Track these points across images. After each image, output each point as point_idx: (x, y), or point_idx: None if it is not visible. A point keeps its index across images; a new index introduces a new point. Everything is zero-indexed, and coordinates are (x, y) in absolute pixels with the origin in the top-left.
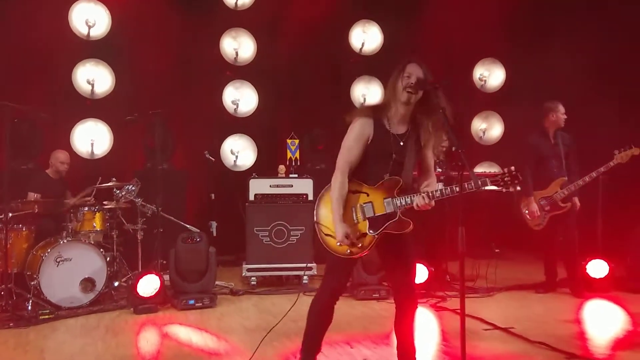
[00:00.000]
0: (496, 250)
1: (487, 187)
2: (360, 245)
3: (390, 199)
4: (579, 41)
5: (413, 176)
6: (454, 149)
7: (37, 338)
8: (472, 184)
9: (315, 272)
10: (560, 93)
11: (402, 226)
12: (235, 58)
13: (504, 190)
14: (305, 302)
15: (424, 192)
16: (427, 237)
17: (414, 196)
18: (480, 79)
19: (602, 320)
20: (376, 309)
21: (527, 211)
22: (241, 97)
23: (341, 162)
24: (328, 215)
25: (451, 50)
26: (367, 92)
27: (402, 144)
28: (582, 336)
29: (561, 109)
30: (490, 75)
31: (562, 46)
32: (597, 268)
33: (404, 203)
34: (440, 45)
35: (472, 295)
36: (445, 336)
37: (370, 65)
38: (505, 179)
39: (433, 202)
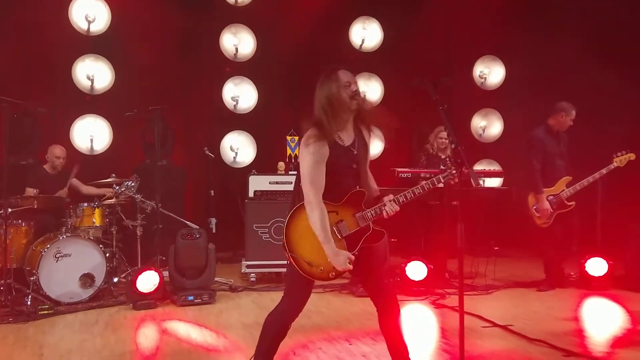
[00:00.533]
0: (495, 248)
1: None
2: None
3: (360, 213)
4: (580, 39)
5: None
6: (453, 145)
7: (36, 333)
8: (429, 184)
9: None
10: (560, 91)
11: (378, 237)
12: (235, 54)
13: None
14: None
15: (389, 200)
16: (425, 234)
17: (382, 206)
18: (480, 76)
19: (601, 318)
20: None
21: (535, 208)
22: (241, 94)
23: (311, 195)
24: (303, 240)
25: (451, 47)
26: (367, 89)
27: (355, 153)
28: (580, 334)
29: (573, 114)
30: (491, 72)
31: (563, 44)
32: (596, 266)
33: (374, 214)
34: (441, 42)
35: (471, 292)
36: (444, 333)
37: (370, 62)
38: (453, 172)
39: (398, 207)
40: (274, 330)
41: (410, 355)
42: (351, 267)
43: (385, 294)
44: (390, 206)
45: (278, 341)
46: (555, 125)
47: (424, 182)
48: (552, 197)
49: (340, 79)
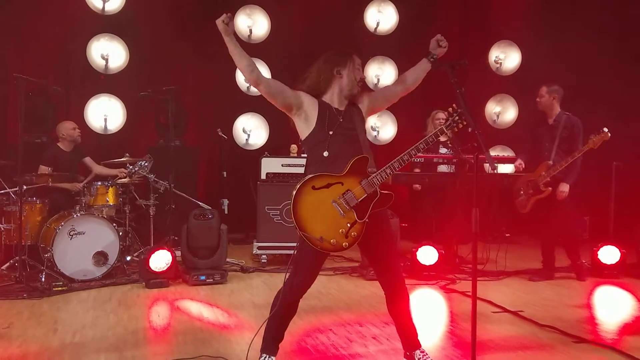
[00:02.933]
0: (506, 235)
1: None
2: (354, 234)
3: (365, 180)
4: (598, 25)
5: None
6: (470, 129)
7: (51, 309)
8: (432, 137)
9: None
10: (577, 78)
11: (386, 200)
12: (249, 35)
13: (456, 129)
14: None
15: (393, 162)
16: (437, 219)
17: (386, 169)
18: (496, 62)
19: (612, 306)
20: None
21: (521, 191)
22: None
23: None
24: (311, 218)
25: (467, 31)
26: (381, 72)
27: (341, 120)
28: (591, 321)
29: (540, 91)
30: (506, 57)
31: (580, 30)
32: (609, 254)
33: (381, 179)
34: (456, 27)
35: (482, 278)
36: (454, 318)
37: (384, 46)
38: (455, 118)
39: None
40: (284, 307)
41: (419, 338)
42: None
43: (393, 275)
44: (394, 165)
45: (288, 319)
46: (539, 108)
47: (428, 136)
48: (528, 182)
49: (355, 60)
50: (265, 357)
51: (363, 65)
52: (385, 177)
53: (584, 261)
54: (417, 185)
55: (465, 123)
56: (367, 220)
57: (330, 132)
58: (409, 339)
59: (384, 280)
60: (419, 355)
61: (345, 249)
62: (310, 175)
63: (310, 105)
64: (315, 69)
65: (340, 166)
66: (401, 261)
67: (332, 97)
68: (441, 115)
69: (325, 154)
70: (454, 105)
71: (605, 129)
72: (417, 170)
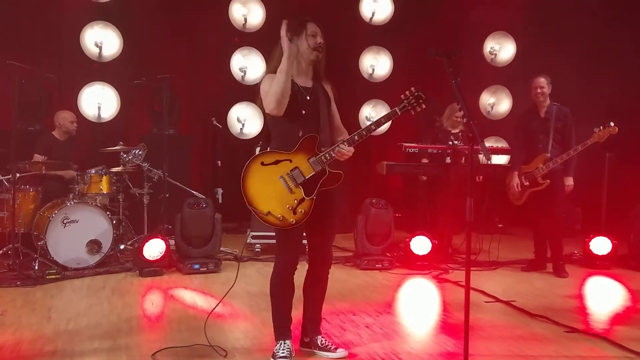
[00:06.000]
0: (499, 225)
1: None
2: (302, 211)
3: (314, 157)
4: (592, 16)
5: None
6: (465, 119)
7: (44, 297)
8: (384, 118)
9: None
10: (571, 69)
11: (336, 179)
12: (243, 24)
13: (412, 112)
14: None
15: (342, 141)
16: (431, 209)
17: (335, 147)
18: (491, 53)
19: (603, 296)
20: (379, 279)
21: (509, 184)
22: (249, 65)
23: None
24: (259, 193)
25: (462, 22)
26: (376, 62)
27: (308, 98)
28: (582, 311)
29: (534, 83)
30: (501, 49)
31: (575, 21)
32: (600, 245)
33: (329, 157)
34: (452, 17)
35: (475, 268)
36: (446, 307)
37: (380, 36)
38: (411, 101)
39: (352, 149)
40: (279, 289)
41: (321, 327)
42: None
43: (324, 257)
44: (343, 147)
45: (288, 299)
46: (532, 99)
47: (381, 117)
48: (523, 175)
49: (307, 28)
50: (281, 343)
51: (359, 55)
52: (333, 156)
53: (576, 252)
54: (424, 177)
55: (424, 106)
56: (314, 197)
57: (303, 112)
58: (315, 324)
59: (314, 259)
60: (322, 340)
61: (293, 225)
62: (259, 152)
63: None
64: (276, 46)
65: (290, 144)
66: (394, 251)
67: (294, 70)
68: (460, 113)
69: (300, 133)
70: (412, 88)
71: (612, 123)
72: (424, 160)
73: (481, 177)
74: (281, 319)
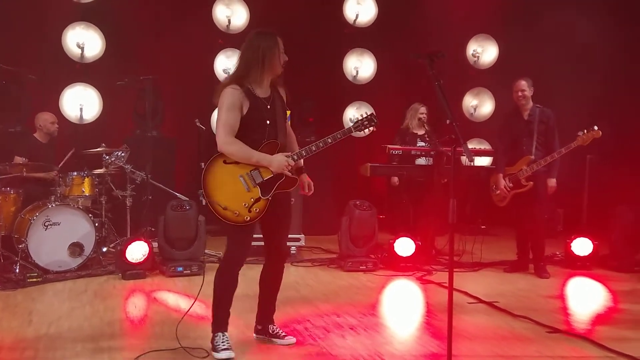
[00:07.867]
0: (482, 227)
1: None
2: (257, 210)
3: None
4: (575, 19)
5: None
6: (448, 121)
7: (25, 300)
8: (335, 137)
9: (304, 244)
10: (553, 72)
11: (291, 183)
12: (227, 26)
13: (361, 133)
14: (292, 272)
15: (301, 150)
16: (414, 211)
17: (294, 155)
18: (474, 55)
19: (584, 297)
20: (362, 281)
21: (494, 186)
22: (233, 66)
23: (223, 135)
24: (219, 188)
25: (445, 24)
26: (360, 64)
27: (269, 107)
28: (564, 311)
29: (516, 86)
30: (484, 51)
31: (557, 24)
32: (582, 246)
33: None
34: (435, 20)
35: (458, 269)
36: (430, 308)
37: (363, 38)
38: (364, 122)
39: (292, 162)
40: (224, 281)
41: (273, 318)
42: (291, 164)
43: (279, 254)
44: (301, 153)
45: (230, 292)
46: (515, 102)
47: (337, 132)
48: (507, 177)
49: (279, 44)
50: (220, 335)
51: (342, 57)
52: (292, 162)
53: (557, 253)
54: (395, 179)
55: (373, 129)
56: (269, 198)
57: (268, 122)
58: (268, 313)
59: (270, 255)
60: (273, 328)
61: (248, 222)
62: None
63: (240, 99)
64: (241, 55)
65: (254, 148)
66: (378, 252)
67: (257, 81)
68: (423, 109)
69: (265, 141)
70: (371, 113)
71: (596, 127)
72: (394, 163)
73: (445, 179)
74: (222, 311)
